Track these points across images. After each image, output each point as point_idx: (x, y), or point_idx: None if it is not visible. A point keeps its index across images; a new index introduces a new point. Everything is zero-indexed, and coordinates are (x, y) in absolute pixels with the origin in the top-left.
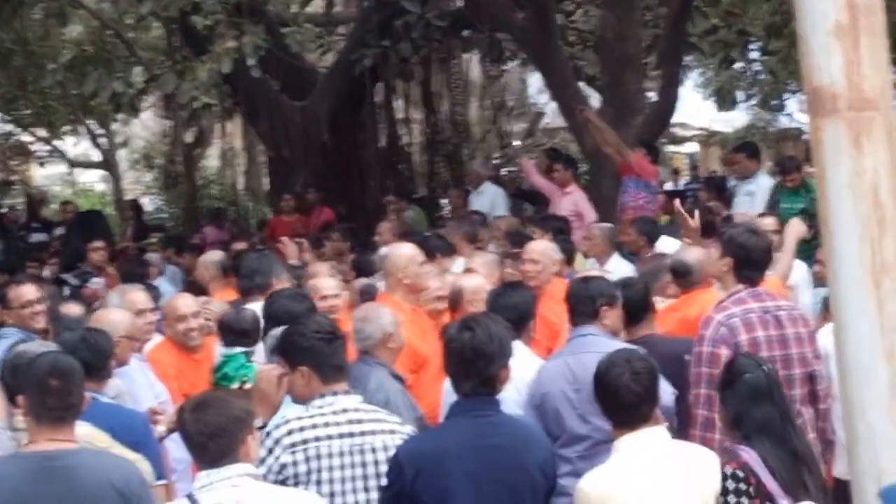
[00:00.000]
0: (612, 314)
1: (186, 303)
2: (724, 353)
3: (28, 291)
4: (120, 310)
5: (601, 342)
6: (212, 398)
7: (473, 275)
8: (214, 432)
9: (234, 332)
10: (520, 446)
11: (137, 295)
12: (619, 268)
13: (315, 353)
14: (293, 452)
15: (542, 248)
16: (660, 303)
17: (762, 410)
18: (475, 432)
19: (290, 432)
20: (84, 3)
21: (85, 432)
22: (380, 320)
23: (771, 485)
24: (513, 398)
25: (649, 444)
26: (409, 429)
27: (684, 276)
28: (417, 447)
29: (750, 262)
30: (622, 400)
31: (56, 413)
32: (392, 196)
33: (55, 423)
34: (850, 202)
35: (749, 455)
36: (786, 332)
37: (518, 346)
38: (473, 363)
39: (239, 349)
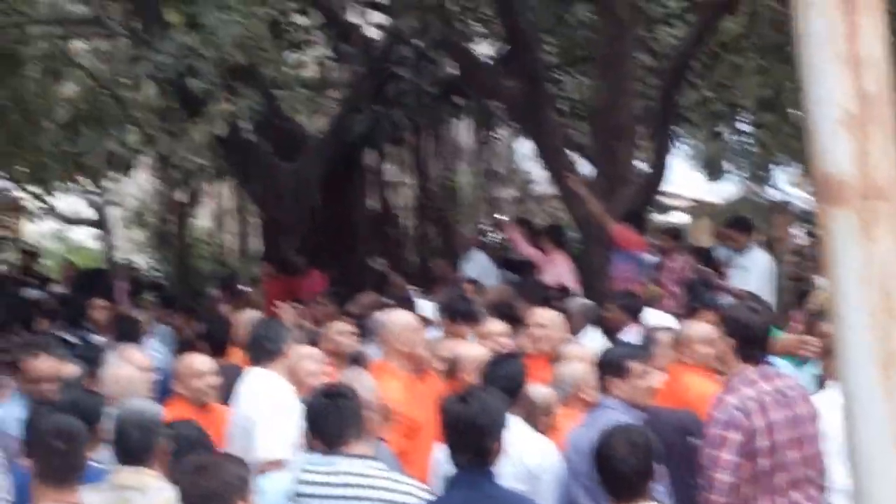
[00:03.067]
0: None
1: (203, 360)
2: (734, 437)
3: (45, 366)
4: (129, 366)
5: (616, 417)
6: (209, 462)
7: (472, 343)
8: (207, 496)
9: None
10: None
11: (136, 354)
12: (593, 343)
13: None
14: None
15: (549, 315)
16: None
17: None
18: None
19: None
20: (80, 62)
21: None
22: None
23: None
24: (509, 471)
25: None
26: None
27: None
28: None
29: (753, 340)
30: (616, 473)
31: (60, 474)
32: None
33: (60, 485)
34: (860, 292)
35: None
36: (798, 411)
37: (513, 419)
38: (467, 435)
39: None
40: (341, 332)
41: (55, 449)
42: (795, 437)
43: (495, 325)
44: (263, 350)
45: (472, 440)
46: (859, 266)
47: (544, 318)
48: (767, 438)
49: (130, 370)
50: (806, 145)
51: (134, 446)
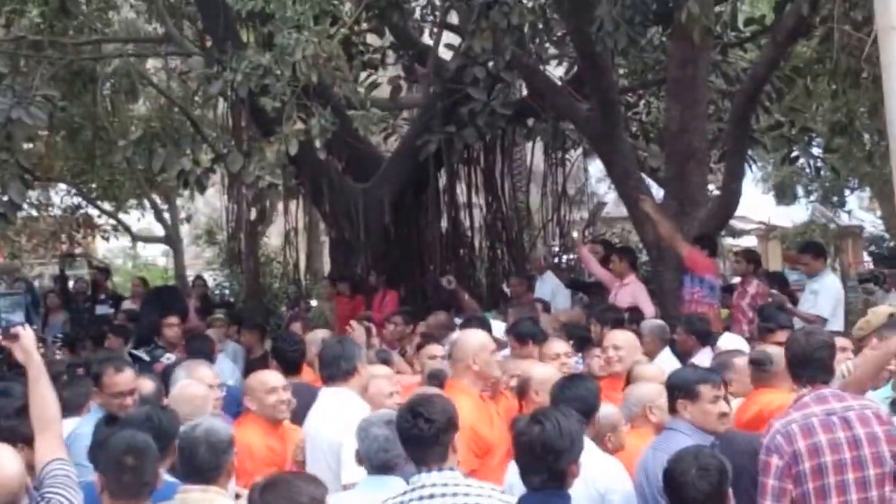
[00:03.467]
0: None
1: (275, 376)
2: (776, 462)
3: (125, 380)
4: (200, 385)
5: (684, 440)
6: (281, 481)
7: (542, 364)
8: None
9: None
10: None
11: (205, 370)
12: (668, 365)
13: None
14: None
15: (625, 336)
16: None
17: None
18: None
19: None
20: (153, 80)
21: None
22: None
23: None
24: (580, 492)
25: None
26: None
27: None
28: None
29: (807, 364)
30: (687, 496)
31: (131, 491)
32: (451, 276)
33: (129, 501)
34: None
35: None
36: (856, 432)
37: (585, 440)
38: (543, 458)
39: None
40: (433, 355)
41: (125, 465)
42: (852, 458)
43: (560, 346)
44: (338, 369)
45: (547, 462)
46: None
47: (619, 339)
48: (810, 461)
49: (200, 387)
50: (880, 169)
51: (203, 464)
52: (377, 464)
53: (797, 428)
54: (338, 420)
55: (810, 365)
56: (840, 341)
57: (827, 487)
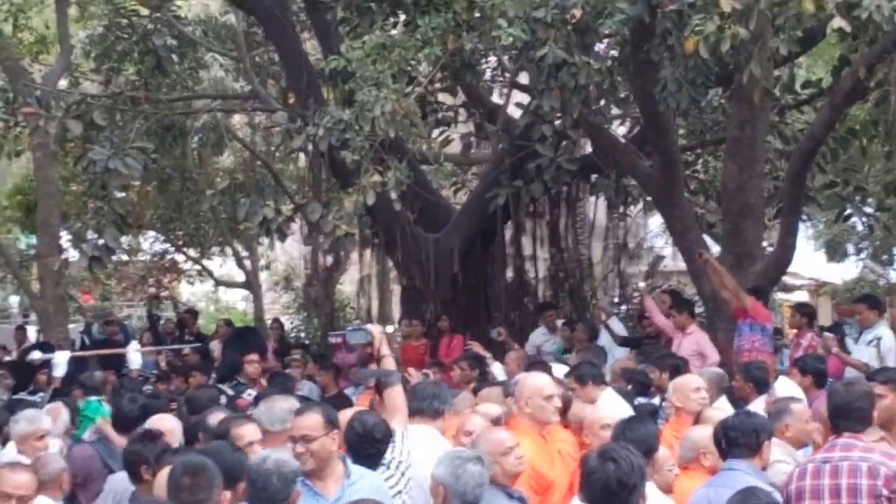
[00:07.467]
0: (768, 451)
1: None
2: (780, 500)
3: (250, 432)
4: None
5: (744, 478)
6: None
7: (597, 406)
8: None
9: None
10: None
11: (287, 403)
12: (725, 411)
13: None
14: None
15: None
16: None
17: None
18: None
19: None
20: (238, 135)
21: None
22: (489, 448)
23: None
24: None
25: None
26: None
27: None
28: None
29: (839, 414)
30: None
31: None
32: (503, 328)
33: None
34: None
35: None
36: (840, 482)
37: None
38: (618, 494)
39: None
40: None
41: (182, 485)
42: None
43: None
44: (429, 406)
45: (621, 497)
46: None
47: (700, 382)
48: (795, 502)
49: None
50: None
51: (275, 493)
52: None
53: (797, 471)
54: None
55: (851, 415)
56: None
57: None
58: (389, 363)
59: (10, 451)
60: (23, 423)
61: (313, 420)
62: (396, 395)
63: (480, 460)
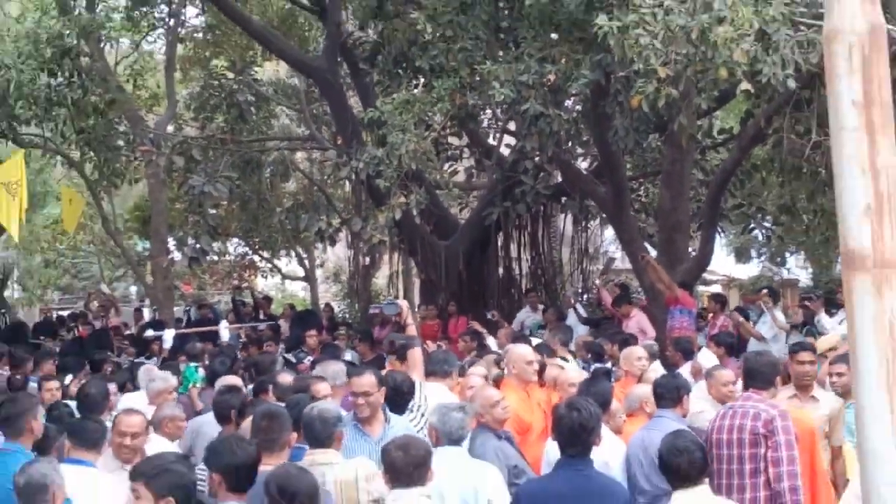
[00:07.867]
0: (687, 402)
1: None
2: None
3: (325, 388)
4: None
5: (670, 424)
6: (409, 441)
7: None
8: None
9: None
10: (605, 493)
11: (338, 366)
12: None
13: None
14: None
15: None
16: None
17: None
18: (575, 481)
19: None
20: (300, 167)
21: None
22: (482, 401)
23: None
24: (597, 459)
25: (696, 500)
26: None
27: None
28: (533, 488)
29: (750, 375)
30: (676, 465)
31: (263, 444)
32: (496, 311)
33: (269, 455)
34: (873, 335)
35: None
36: (734, 422)
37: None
38: (579, 435)
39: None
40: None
41: (261, 426)
42: (730, 438)
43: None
44: (440, 369)
45: (581, 438)
46: (873, 315)
47: (642, 352)
48: (712, 435)
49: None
50: (812, 239)
51: (320, 434)
52: (455, 438)
53: (718, 414)
54: None
55: (757, 378)
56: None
57: (712, 455)
58: (412, 330)
59: (130, 401)
60: (158, 381)
61: (369, 380)
62: (416, 354)
63: (463, 409)
